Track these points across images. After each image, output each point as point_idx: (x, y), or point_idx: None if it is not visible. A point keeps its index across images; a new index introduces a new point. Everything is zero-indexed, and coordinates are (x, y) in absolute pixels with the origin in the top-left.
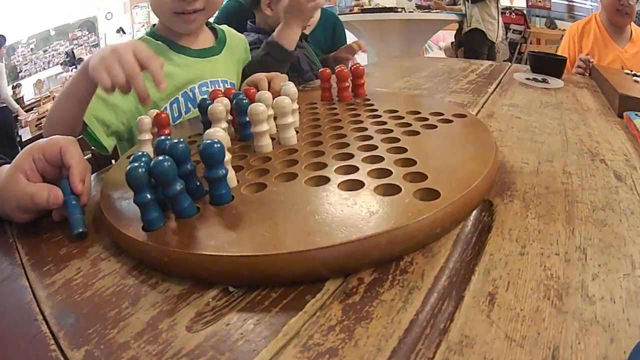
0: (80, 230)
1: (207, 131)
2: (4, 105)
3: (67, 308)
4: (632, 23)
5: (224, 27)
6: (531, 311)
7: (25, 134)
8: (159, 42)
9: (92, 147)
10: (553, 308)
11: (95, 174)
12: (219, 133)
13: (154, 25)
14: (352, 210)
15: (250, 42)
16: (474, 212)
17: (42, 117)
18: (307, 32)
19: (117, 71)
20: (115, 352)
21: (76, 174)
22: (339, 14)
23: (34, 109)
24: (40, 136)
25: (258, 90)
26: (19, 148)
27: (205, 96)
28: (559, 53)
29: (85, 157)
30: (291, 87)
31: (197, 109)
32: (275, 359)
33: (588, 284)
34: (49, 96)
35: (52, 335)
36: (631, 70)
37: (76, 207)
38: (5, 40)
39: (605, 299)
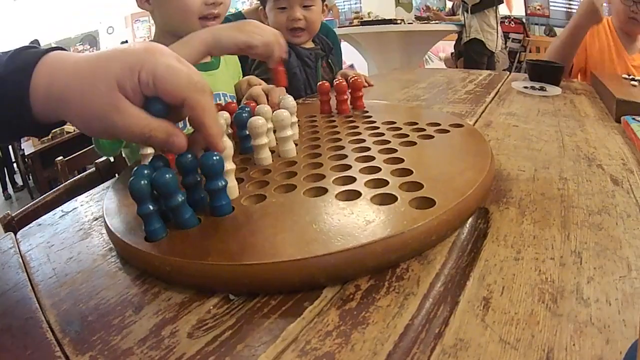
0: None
1: None
2: None
3: (72, 316)
4: None
5: None
6: (525, 314)
7: (28, 147)
8: None
9: (98, 151)
10: (547, 311)
11: (99, 186)
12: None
13: (152, 40)
14: (349, 220)
15: None
16: (470, 220)
17: None
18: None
19: (267, 34)
20: (118, 358)
21: (215, 134)
22: (338, 27)
23: None
24: (41, 150)
25: (257, 104)
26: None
27: None
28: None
29: (89, 172)
30: (290, 100)
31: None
32: None
33: (583, 287)
34: None
35: (57, 342)
36: (629, 75)
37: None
38: (39, 44)
39: (601, 301)
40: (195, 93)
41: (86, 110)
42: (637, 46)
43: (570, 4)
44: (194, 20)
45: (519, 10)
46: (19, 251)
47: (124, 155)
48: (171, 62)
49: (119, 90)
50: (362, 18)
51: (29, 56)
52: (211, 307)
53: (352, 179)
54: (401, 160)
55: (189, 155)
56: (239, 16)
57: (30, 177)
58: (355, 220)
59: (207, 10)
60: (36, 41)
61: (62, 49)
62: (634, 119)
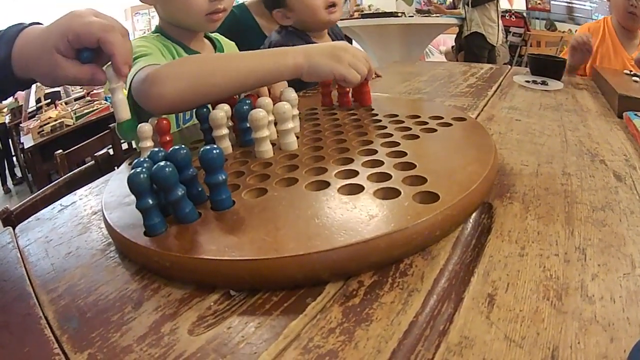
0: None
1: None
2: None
3: (71, 312)
4: None
5: (216, 35)
6: (530, 312)
7: (27, 141)
8: (175, 44)
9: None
10: (552, 308)
11: (98, 179)
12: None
13: (156, 26)
14: (352, 214)
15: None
16: (474, 215)
17: (45, 125)
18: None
19: (362, 68)
20: (117, 355)
21: (119, 61)
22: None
23: (36, 116)
24: (41, 143)
25: (258, 97)
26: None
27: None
28: (568, 53)
29: (88, 165)
30: (291, 92)
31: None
32: None
33: (587, 284)
34: (50, 103)
35: (55, 339)
36: (631, 71)
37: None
38: None
39: (605, 298)
40: (104, 33)
41: (40, 69)
42: (636, 44)
43: None
44: (200, 17)
45: (519, 4)
46: (18, 246)
47: (134, 145)
48: (87, 19)
49: (56, 52)
50: (362, 11)
51: (13, 31)
52: (212, 304)
53: (355, 173)
54: (404, 154)
55: (183, 150)
56: (242, 8)
57: (29, 171)
58: (358, 215)
59: (213, 6)
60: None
61: (39, 23)
62: (636, 114)
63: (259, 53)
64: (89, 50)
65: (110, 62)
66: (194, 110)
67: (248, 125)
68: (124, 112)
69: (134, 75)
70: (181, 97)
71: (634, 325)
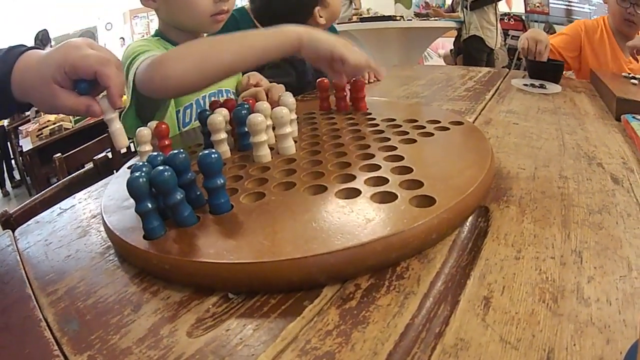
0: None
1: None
2: None
3: (70, 315)
4: None
5: None
6: (526, 314)
7: (26, 144)
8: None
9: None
10: (548, 311)
11: (97, 183)
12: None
13: (156, 30)
14: (349, 218)
15: None
16: (470, 218)
17: (44, 128)
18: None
19: (362, 58)
20: (117, 357)
21: (115, 93)
22: (338, 23)
23: (35, 118)
24: (40, 146)
25: (257, 101)
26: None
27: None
28: (557, 38)
29: (87, 168)
30: (289, 97)
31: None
32: None
33: (584, 287)
34: None
35: (55, 341)
36: (629, 73)
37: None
38: (48, 34)
39: (601, 300)
40: (101, 66)
41: (38, 97)
42: None
43: (570, 1)
44: (205, 18)
45: (518, 8)
46: (17, 249)
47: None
48: (83, 52)
49: (53, 83)
50: (361, 14)
51: (13, 56)
52: (210, 306)
53: (352, 177)
54: (401, 158)
55: (182, 155)
56: (242, 12)
57: (28, 174)
58: (355, 219)
59: (217, 8)
60: (45, 31)
61: (39, 48)
62: (634, 117)
63: (260, 30)
64: (85, 81)
65: (104, 93)
66: (198, 113)
67: (246, 129)
68: (123, 140)
69: (136, 69)
70: (187, 77)
71: (630, 327)
